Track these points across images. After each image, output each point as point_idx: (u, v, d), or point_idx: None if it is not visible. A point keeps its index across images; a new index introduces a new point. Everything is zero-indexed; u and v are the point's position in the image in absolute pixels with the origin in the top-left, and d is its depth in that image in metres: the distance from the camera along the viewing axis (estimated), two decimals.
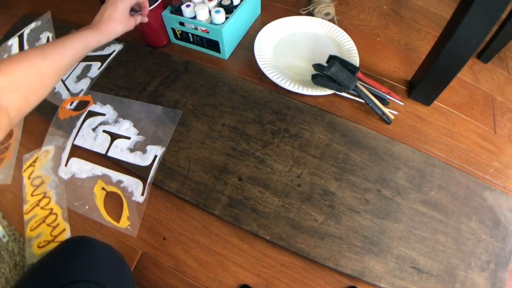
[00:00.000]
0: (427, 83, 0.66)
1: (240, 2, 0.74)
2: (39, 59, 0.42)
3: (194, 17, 0.71)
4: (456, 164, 0.63)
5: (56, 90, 0.73)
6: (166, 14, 0.73)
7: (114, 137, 0.65)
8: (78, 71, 0.76)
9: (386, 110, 0.66)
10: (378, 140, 0.62)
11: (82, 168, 0.63)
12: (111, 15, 0.53)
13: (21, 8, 0.97)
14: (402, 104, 0.69)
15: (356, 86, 0.65)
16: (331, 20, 0.83)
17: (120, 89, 0.71)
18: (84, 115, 0.68)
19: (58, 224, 0.59)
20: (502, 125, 0.70)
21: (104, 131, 0.65)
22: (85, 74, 0.75)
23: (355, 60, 0.72)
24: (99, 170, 0.63)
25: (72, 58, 0.47)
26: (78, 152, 0.65)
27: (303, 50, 0.77)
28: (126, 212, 0.59)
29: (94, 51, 0.77)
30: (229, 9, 0.72)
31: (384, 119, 0.66)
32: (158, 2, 0.70)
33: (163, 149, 0.62)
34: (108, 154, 0.63)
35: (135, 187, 0.61)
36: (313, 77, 0.66)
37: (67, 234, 0.59)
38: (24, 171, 0.64)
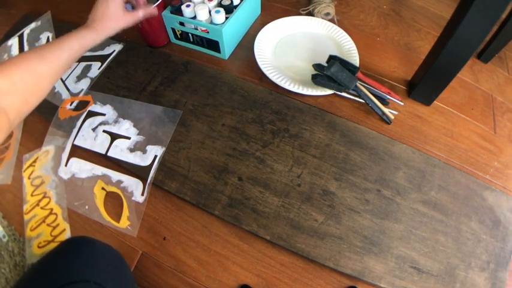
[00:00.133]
0: (427, 83, 0.66)
1: (240, 2, 0.74)
2: (37, 61, 0.43)
3: (194, 17, 0.71)
4: (456, 164, 0.63)
5: (56, 90, 0.73)
6: (166, 14, 0.73)
7: (114, 137, 0.65)
8: (78, 71, 0.76)
9: (386, 110, 0.66)
10: (378, 140, 0.62)
11: (82, 168, 0.63)
12: (103, 14, 0.54)
13: (21, 8, 0.97)
14: (402, 104, 0.69)
15: (356, 86, 0.65)
16: (331, 20, 0.83)
17: (120, 89, 0.71)
18: (84, 115, 0.68)
19: (58, 224, 0.59)
20: (502, 125, 0.70)
21: (104, 131, 0.65)
22: (85, 74, 0.75)
23: (355, 60, 0.72)
24: (99, 170, 0.63)
25: (69, 58, 0.48)
26: (78, 152, 0.65)
27: (303, 50, 0.77)
28: (126, 212, 0.59)
29: (94, 51, 0.77)
30: (229, 9, 0.72)
31: (384, 119, 0.66)
32: (158, 2, 0.70)
33: (163, 149, 0.62)
34: (108, 154, 0.63)
35: (135, 187, 0.61)
36: (313, 77, 0.66)
37: (67, 234, 0.59)
38: (24, 171, 0.64)
